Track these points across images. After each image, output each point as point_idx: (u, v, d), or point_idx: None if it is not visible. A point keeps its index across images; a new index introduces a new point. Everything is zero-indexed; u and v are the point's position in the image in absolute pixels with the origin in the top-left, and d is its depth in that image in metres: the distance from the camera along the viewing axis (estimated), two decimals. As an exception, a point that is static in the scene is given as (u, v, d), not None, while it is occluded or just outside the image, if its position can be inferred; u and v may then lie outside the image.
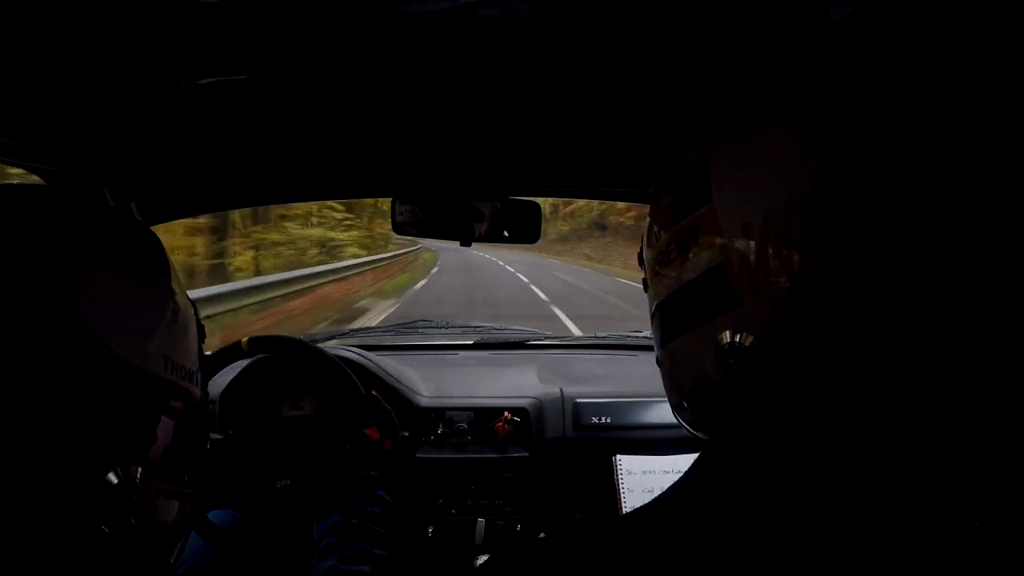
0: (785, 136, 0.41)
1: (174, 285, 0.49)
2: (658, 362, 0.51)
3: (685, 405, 0.48)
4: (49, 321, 0.39)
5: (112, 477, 0.41)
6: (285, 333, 1.11)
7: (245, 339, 1.04)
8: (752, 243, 0.40)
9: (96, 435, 0.40)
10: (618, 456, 1.04)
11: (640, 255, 0.53)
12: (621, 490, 1.00)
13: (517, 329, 1.78)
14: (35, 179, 0.87)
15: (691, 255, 0.44)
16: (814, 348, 0.34)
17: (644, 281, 0.52)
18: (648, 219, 0.51)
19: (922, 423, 0.28)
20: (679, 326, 0.46)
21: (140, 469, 0.43)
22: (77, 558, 0.39)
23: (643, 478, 1.02)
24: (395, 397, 1.21)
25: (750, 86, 0.51)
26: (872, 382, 0.30)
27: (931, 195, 0.35)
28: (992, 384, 0.27)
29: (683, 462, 1.02)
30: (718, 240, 0.42)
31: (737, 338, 0.41)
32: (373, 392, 0.99)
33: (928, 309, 0.30)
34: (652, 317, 0.50)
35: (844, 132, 0.40)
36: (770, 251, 0.39)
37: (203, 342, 0.54)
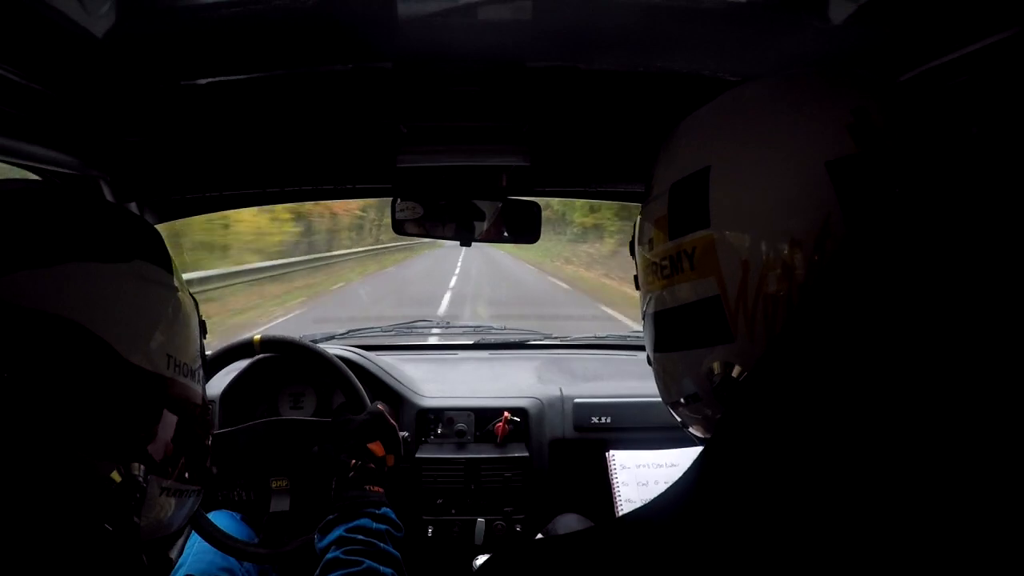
0: (793, 165, 0.37)
1: (175, 281, 0.48)
2: (648, 360, 0.50)
3: (677, 404, 0.47)
4: (50, 319, 0.38)
5: (115, 475, 0.41)
6: (294, 336, 1.10)
7: (257, 338, 1.04)
8: (750, 280, 0.38)
9: (98, 433, 0.40)
10: (611, 451, 1.04)
11: (631, 246, 0.51)
12: (615, 485, 1.01)
13: (517, 329, 1.78)
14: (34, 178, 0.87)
15: (686, 279, 0.41)
16: (812, 377, 0.32)
17: (635, 278, 0.50)
18: (640, 216, 0.49)
19: (925, 438, 0.28)
20: (671, 343, 0.45)
21: (143, 467, 0.43)
22: (79, 556, 0.39)
23: (637, 472, 1.02)
24: (395, 397, 1.21)
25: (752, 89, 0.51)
26: (872, 402, 0.29)
27: (954, 240, 0.31)
28: (992, 398, 0.27)
29: (675, 456, 1.03)
30: (715, 270, 0.39)
31: (729, 370, 0.40)
32: (379, 406, 0.97)
33: (941, 352, 0.28)
34: (644, 318, 0.49)
35: (857, 166, 0.36)
36: (770, 290, 0.37)
37: (204, 338, 0.54)
